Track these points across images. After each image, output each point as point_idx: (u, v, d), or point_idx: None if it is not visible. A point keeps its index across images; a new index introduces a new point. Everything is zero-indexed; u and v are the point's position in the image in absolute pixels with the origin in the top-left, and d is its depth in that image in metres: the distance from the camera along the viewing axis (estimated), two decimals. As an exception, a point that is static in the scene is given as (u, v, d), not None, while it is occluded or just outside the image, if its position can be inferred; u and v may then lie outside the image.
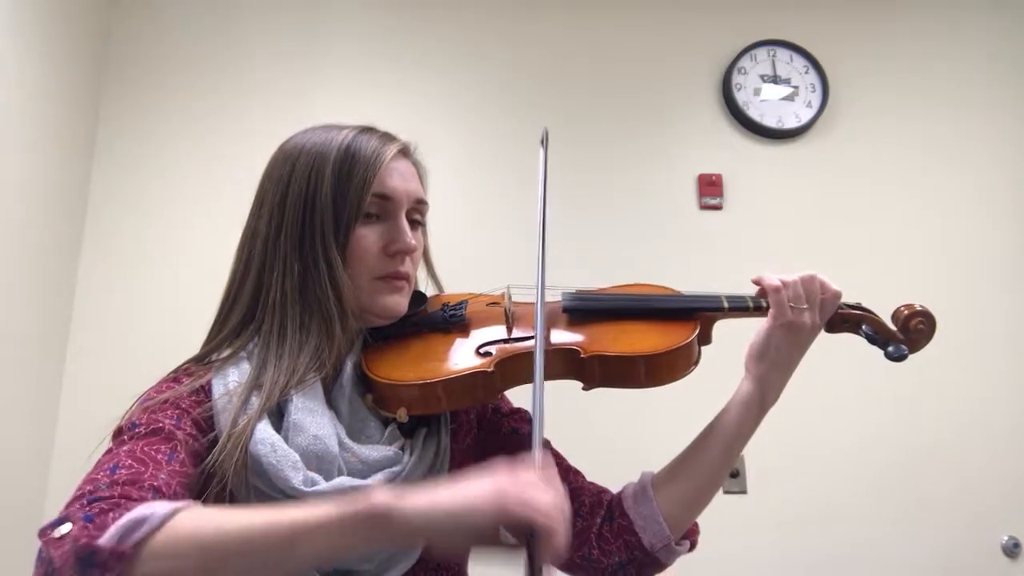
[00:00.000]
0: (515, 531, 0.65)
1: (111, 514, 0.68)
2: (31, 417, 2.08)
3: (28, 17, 2.06)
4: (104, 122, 2.42)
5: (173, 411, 0.85)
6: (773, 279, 1.01)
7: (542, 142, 1.04)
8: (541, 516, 0.64)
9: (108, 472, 0.76)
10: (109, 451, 0.81)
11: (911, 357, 1.01)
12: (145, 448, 0.80)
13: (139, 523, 0.66)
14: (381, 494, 0.67)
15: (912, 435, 2.40)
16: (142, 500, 0.72)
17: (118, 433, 0.84)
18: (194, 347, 0.99)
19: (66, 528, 0.68)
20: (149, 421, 0.83)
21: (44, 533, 0.69)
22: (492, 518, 0.64)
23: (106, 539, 0.65)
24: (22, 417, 2.03)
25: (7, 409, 1.96)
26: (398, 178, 0.97)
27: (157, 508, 0.68)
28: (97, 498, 0.71)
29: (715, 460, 1.00)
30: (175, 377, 0.93)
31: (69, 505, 0.72)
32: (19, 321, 2.02)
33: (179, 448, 0.82)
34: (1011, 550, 2.31)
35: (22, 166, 2.04)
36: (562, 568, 1.02)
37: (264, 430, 0.85)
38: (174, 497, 0.76)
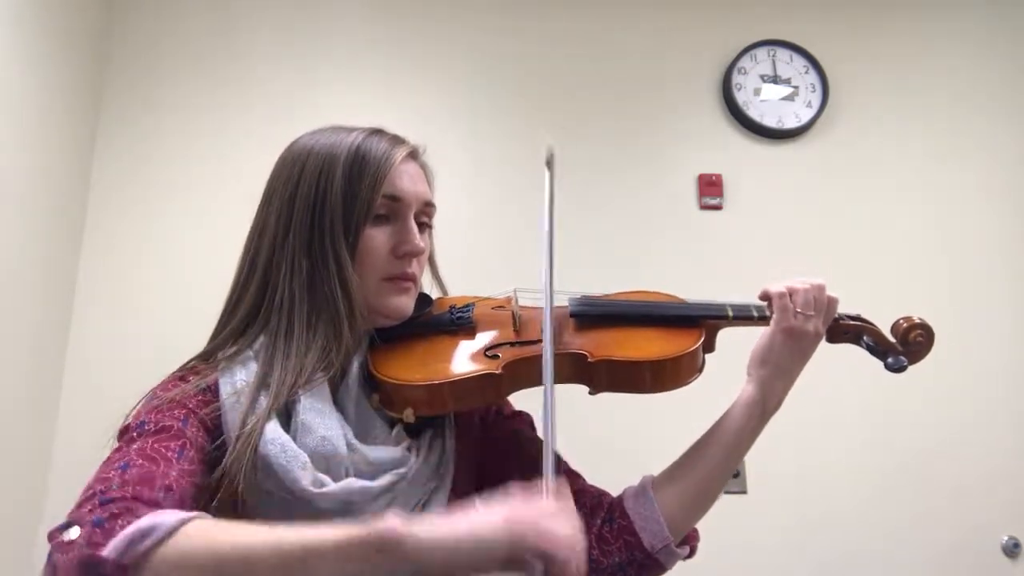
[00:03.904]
0: (527, 564, 0.64)
1: (120, 520, 0.67)
2: (31, 417, 2.08)
3: (28, 14, 2.05)
4: (104, 120, 2.41)
5: (180, 411, 0.85)
6: (778, 285, 1.02)
7: (547, 163, 1.02)
8: (557, 548, 0.63)
9: (119, 471, 0.75)
10: (118, 449, 0.81)
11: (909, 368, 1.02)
12: (155, 445, 0.79)
13: (145, 534, 0.66)
14: (393, 519, 0.66)
15: (912, 435, 2.41)
16: (153, 501, 0.72)
17: (125, 431, 0.84)
18: (195, 347, 0.99)
19: (75, 532, 0.67)
20: (157, 420, 0.83)
21: (53, 536, 0.68)
22: (506, 548, 0.64)
23: (110, 550, 0.65)
24: (22, 417, 2.03)
25: (7, 409, 1.96)
26: (407, 180, 0.98)
27: (165, 519, 0.67)
28: (108, 499, 0.71)
29: (715, 463, 1.01)
30: (181, 376, 0.93)
31: (80, 506, 0.72)
32: (19, 320, 2.01)
33: (188, 446, 0.82)
34: (1011, 550, 2.32)
35: (22, 164, 2.03)
36: None
37: (274, 430, 0.85)
38: (184, 495, 0.77)
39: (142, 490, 0.73)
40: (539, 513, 0.66)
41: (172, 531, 0.67)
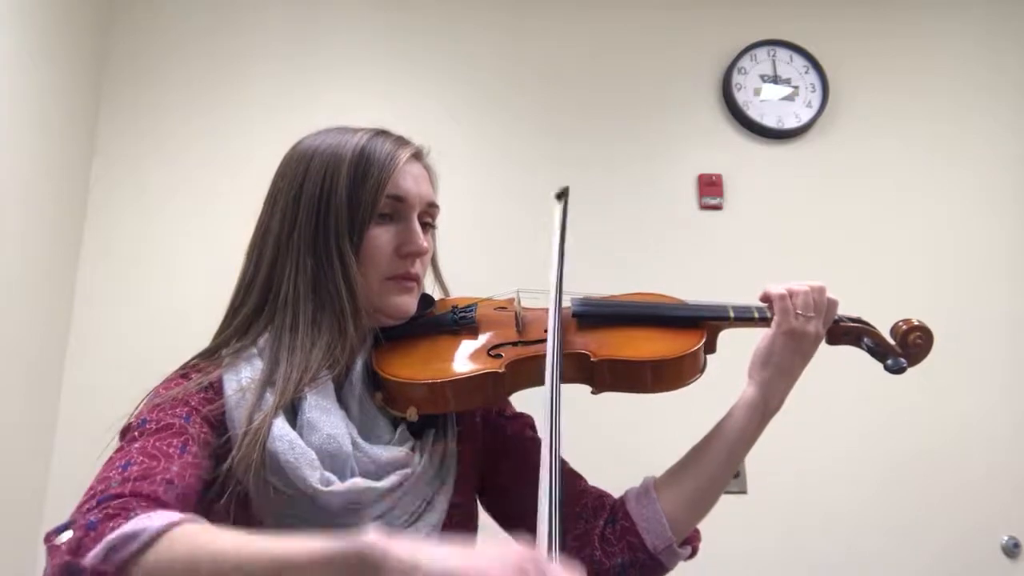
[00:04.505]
0: None
1: (112, 522, 0.68)
2: (31, 418, 2.08)
3: (28, 12, 2.05)
4: (104, 118, 2.41)
5: (183, 408, 0.86)
6: (779, 287, 1.02)
7: (559, 197, 1.03)
8: None
9: (120, 469, 0.76)
10: (120, 448, 0.81)
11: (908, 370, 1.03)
12: (156, 443, 0.80)
13: (129, 539, 0.66)
14: (376, 537, 0.60)
15: (912, 435, 2.41)
16: (153, 495, 0.73)
17: (127, 431, 0.84)
18: (195, 347, 0.99)
19: (67, 536, 0.68)
20: (159, 418, 0.84)
21: (48, 538, 0.69)
22: None
23: (90, 558, 0.65)
24: (22, 417, 2.03)
25: (7, 409, 1.96)
26: (411, 180, 0.98)
27: (151, 523, 0.67)
28: (108, 496, 0.71)
29: (718, 463, 1.01)
30: (184, 373, 0.93)
31: (80, 506, 0.72)
32: (19, 320, 2.01)
33: (191, 442, 0.82)
34: (1011, 550, 2.32)
35: (22, 163, 2.03)
36: None
37: (282, 427, 0.85)
38: (187, 489, 0.78)
39: (142, 485, 0.73)
40: (540, 565, 0.58)
41: (155, 537, 0.66)
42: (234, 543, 0.66)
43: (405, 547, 0.59)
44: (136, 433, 0.82)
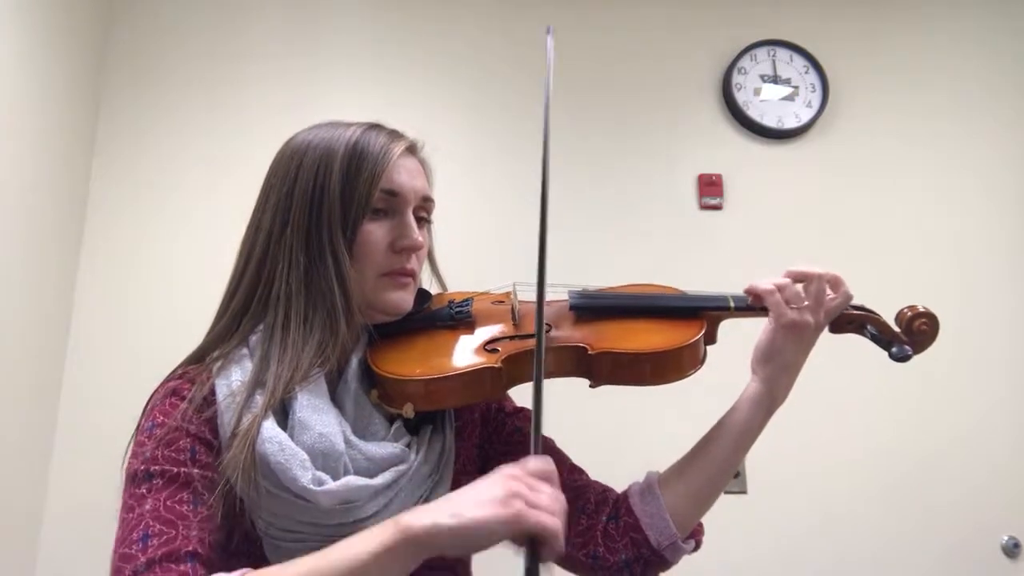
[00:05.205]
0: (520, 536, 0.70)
1: None
2: (31, 417, 2.08)
3: (28, 12, 2.05)
4: (104, 118, 2.41)
5: (185, 439, 0.85)
6: (765, 283, 1.01)
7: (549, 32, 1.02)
8: (548, 523, 0.69)
9: (140, 545, 0.77)
10: (131, 507, 0.81)
11: (913, 357, 1.02)
12: (168, 503, 0.80)
13: None
14: (409, 518, 0.71)
15: (912, 435, 2.40)
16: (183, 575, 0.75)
17: (133, 477, 0.83)
18: (192, 347, 0.98)
19: None
20: (164, 466, 0.83)
21: None
22: (508, 529, 0.69)
23: None
24: (22, 417, 2.02)
25: (7, 409, 1.95)
26: (406, 174, 0.97)
27: None
28: None
29: (723, 458, 1.01)
30: (175, 389, 0.91)
31: None
32: (18, 319, 2.01)
33: (200, 489, 0.82)
34: (1011, 550, 2.31)
35: (22, 163, 2.03)
36: (568, 567, 1.03)
37: (271, 428, 0.84)
38: (209, 551, 0.79)
39: (170, 567, 0.75)
40: (528, 487, 0.71)
41: None
42: (300, 570, 0.73)
43: (435, 521, 0.71)
44: (144, 489, 0.81)
